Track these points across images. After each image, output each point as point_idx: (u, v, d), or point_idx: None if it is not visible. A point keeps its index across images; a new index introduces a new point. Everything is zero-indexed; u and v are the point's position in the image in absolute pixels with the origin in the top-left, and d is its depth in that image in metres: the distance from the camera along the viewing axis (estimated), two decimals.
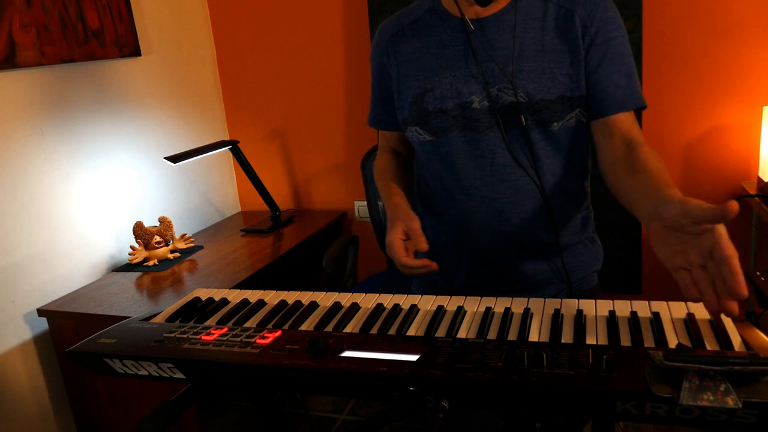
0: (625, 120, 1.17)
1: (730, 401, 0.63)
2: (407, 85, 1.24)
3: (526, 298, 0.97)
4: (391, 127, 1.34)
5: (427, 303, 1.00)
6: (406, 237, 1.08)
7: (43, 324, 1.84)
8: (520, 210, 1.19)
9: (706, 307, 0.73)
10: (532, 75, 1.14)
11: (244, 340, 0.89)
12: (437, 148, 1.22)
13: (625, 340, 0.82)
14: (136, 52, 2.16)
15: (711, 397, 0.64)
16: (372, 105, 1.38)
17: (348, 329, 0.94)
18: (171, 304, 1.10)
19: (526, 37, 1.16)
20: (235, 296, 1.11)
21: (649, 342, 0.82)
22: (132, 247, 2.05)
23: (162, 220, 2.09)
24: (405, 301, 1.01)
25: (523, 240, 1.21)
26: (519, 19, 1.16)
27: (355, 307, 1.01)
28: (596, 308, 0.92)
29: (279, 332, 0.90)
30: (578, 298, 0.95)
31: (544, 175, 1.17)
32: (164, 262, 2.05)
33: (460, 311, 0.96)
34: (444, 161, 1.22)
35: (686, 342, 0.81)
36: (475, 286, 1.26)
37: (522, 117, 1.14)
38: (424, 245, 1.05)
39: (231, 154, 2.48)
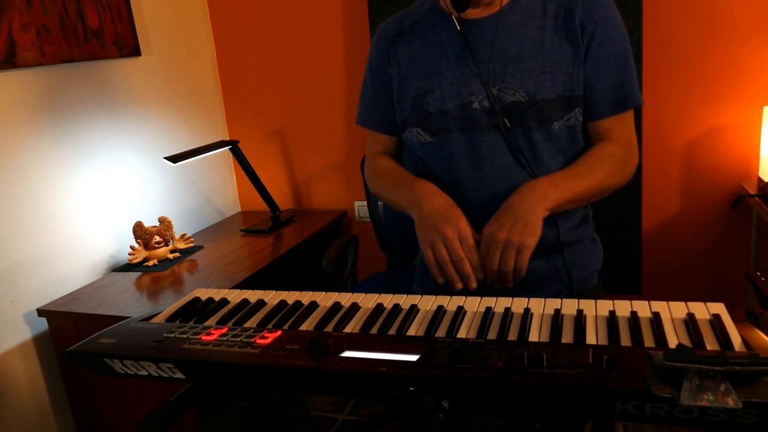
0: (614, 121, 1.18)
1: (731, 401, 0.63)
2: (408, 86, 1.24)
3: (526, 298, 0.97)
4: (386, 128, 1.33)
5: (427, 303, 1.00)
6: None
7: (42, 324, 1.83)
8: None
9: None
10: (532, 74, 1.14)
11: (244, 340, 0.89)
12: (437, 149, 1.22)
13: (625, 340, 0.82)
14: (136, 52, 2.16)
15: (711, 397, 0.64)
16: (364, 104, 1.36)
17: (348, 329, 0.94)
18: (171, 304, 1.09)
19: (526, 37, 1.16)
20: (235, 296, 1.11)
21: (649, 342, 0.82)
22: (132, 247, 2.05)
23: (162, 220, 2.09)
24: (405, 301, 1.01)
25: None
26: (518, 18, 1.16)
27: (355, 307, 1.01)
28: (596, 308, 0.92)
29: (279, 332, 0.90)
30: (579, 298, 0.95)
31: (544, 174, 1.17)
32: (164, 262, 2.05)
33: (460, 311, 0.95)
34: (444, 162, 1.22)
35: (686, 342, 0.81)
36: (478, 287, 1.26)
37: (506, 119, 1.15)
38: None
39: (231, 154, 2.48)
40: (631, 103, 1.17)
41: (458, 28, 1.16)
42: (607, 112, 1.17)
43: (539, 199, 1.06)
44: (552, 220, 1.19)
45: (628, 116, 1.19)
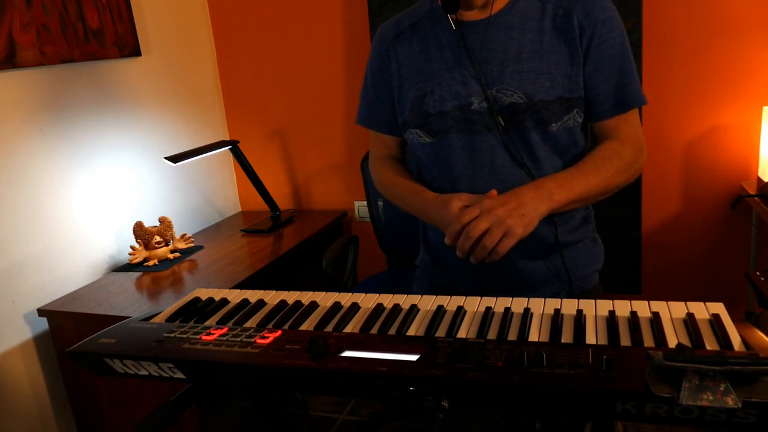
0: (619, 121, 1.18)
1: (730, 401, 0.63)
2: (408, 87, 1.24)
3: (526, 298, 0.97)
4: (388, 129, 1.33)
5: (427, 303, 1.00)
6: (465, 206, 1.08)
7: (43, 324, 1.84)
8: None
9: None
10: (530, 76, 1.14)
11: (244, 340, 0.89)
12: (437, 150, 1.22)
13: (625, 340, 0.82)
14: (136, 52, 2.16)
15: (711, 397, 0.64)
16: (365, 105, 1.36)
17: (348, 329, 0.94)
18: (171, 304, 1.10)
19: (525, 38, 1.16)
20: (235, 296, 1.11)
21: (649, 342, 0.82)
22: (132, 247, 2.05)
23: (162, 220, 2.09)
24: (405, 301, 1.01)
25: (524, 240, 1.21)
26: (516, 20, 1.16)
27: (355, 307, 1.01)
28: (596, 308, 0.92)
29: (279, 332, 0.90)
30: (579, 298, 0.95)
31: (543, 175, 1.17)
32: (164, 262, 2.05)
33: (460, 311, 0.96)
34: (443, 163, 1.23)
35: (686, 342, 0.81)
36: (477, 286, 1.26)
37: (500, 118, 1.15)
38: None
39: (231, 154, 2.48)
40: (634, 102, 1.17)
41: (453, 27, 1.16)
42: (610, 112, 1.17)
43: (544, 197, 1.07)
44: (551, 221, 1.19)
45: (633, 115, 1.19)
